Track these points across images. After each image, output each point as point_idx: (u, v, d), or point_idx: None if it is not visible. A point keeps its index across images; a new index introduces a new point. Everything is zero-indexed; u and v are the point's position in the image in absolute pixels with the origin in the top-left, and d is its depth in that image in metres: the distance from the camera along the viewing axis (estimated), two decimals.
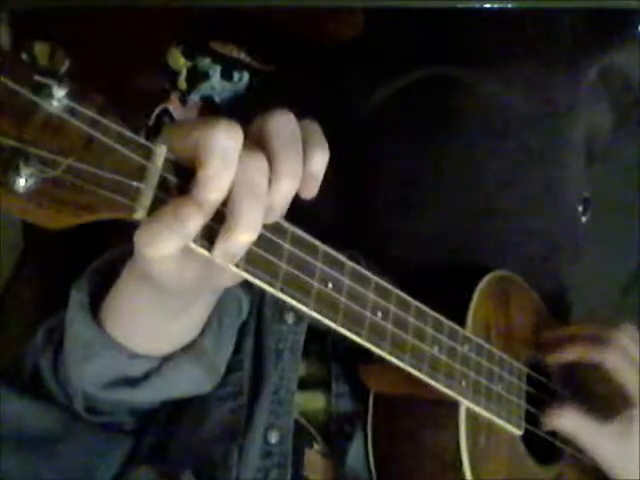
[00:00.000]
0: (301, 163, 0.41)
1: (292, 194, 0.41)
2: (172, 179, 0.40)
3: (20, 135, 0.35)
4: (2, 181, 0.34)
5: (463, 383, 0.55)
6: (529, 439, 0.62)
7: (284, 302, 0.45)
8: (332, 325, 0.47)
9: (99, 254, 0.57)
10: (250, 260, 0.42)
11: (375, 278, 0.50)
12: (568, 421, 0.61)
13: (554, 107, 0.67)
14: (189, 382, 0.55)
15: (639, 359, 0.61)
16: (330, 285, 0.47)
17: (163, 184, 0.39)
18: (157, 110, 0.78)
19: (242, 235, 0.39)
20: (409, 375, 0.53)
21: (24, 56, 0.40)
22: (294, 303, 0.45)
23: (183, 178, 0.40)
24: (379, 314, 0.50)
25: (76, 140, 0.37)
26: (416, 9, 0.67)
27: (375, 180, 0.70)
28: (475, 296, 0.61)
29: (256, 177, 0.39)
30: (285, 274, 0.44)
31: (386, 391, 0.60)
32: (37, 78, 0.36)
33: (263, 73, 0.77)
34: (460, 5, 0.66)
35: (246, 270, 0.42)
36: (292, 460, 0.58)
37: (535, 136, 0.67)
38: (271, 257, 0.43)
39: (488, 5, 0.66)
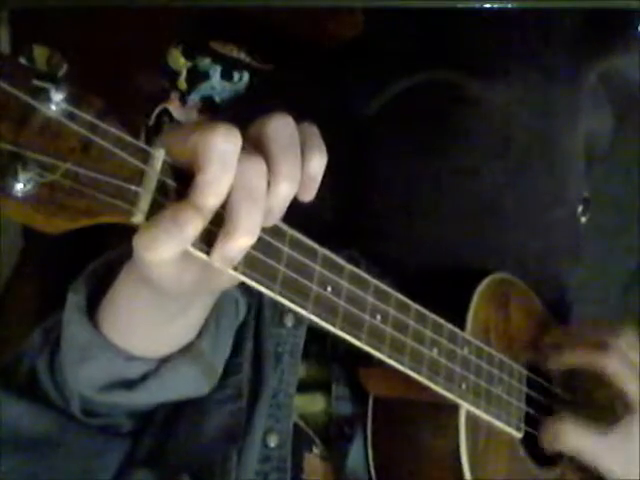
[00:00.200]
0: (299, 166, 0.41)
1: (290, 197, 0.41)
2: (170, 183, 0.40)
3: (18, 139, 0.35)
4: (0, 186, 0.34)
5: (463, 386, 0.55)
6: (529, 441, 0.62)
7: (283, 305, 0.45)
8: (331, 329, 0.47)
9: (98, 255, 0.57)
10: (248, 264, 0.42)
11: (374, 281, 0.50)
12: (567, 439, 0.60)
13: (554, 111, 0.67)
14: (187, 384, 0.55)
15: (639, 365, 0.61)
16: (329, 288, 0.47)
17: (161, 188, 0.39)
18: (157, 110, 0.78)
19: (241, 239, 0.39)
20: (409, 378, 0.53)
21: (23, 60, 0.39)
22: (293, 306, 0.45)
23: (181, 182, 0.40)
24: (378, 317, 0.50)
25: (74, 144, 0.37)
26: (416, 11, 0.66)
27: (374, 182, 0.69)
28: (475, 298, 0.61)
29: (254, 181, 0.39)
30: (284, 277, 0.44)
31: (386, 394, 0.60)
32: (35, 82, 0.36)
33: (263, 73, 0.77)
34: (460, 5, 0.66)
35: (244, 274, 0.42)
36: (291, 464, 0.58)
37: (535, 140, 0.67)
38: (270, 260, 0.43)
39: (488, 5, 0.66)
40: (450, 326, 0.55)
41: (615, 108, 0.73)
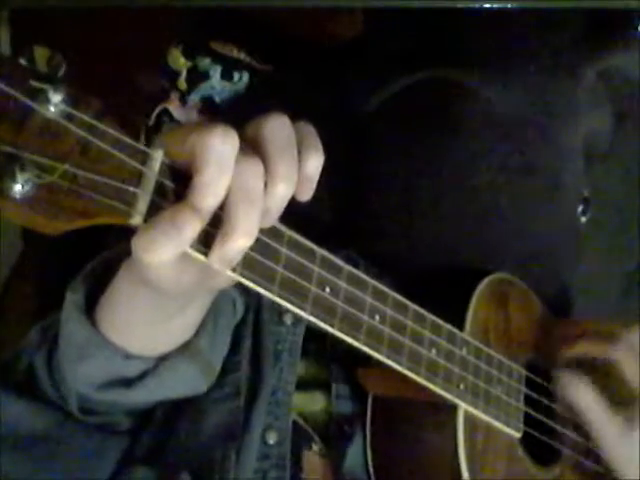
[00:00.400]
0: (296, 167, 0.41)
1: (288, 198, 0.41)
2: (169, 184, 0.40)
3: (16, 140, 0.35)
4: None
5: (461, 386, 0.55)
6: (528, 441, 0.62)
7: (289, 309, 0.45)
8: (329, 329, 0.47)
9: (97, 255, 0.57)
10: (247, 265, 0.42)
11: (373, 282, 0.50)
12: (582, 392, 0.61)
13: (554, 110, 0.67)
14: (184, 382, 0.55)
15: None
16: (327, 289, 0.47)
17: (160, 189, 0.39)
18: (157, 110, 0.78)
19: (239, 240, 0.39)
20: (407, 378, 0.53)
21: (23, 60, 0.39)
22: (291, 307, 0.45)
23: (180, 183, 0.40)
24: (377, 318, 0.50)
25: (73, 145, 0.37)
26: (416, 11, 0.66)
27: (373, 181, 0.69)
28: (474, 299, 0.61)
29: (252, 181, 0.39)
30: (282, 278, 0.44)
31: (385, 394, 0.60)
32: (33, 83, 0.36)
33: (263, 73, 0.77)
34: (460, 5, 0.66)
35: (242, 275, 0.42)
36: (290, 461, 0.58)
37: (534, 139, 0.67)
38: (268, 262, 0.43)
39: (488, 5, 0.66)
40: (449, 326, 0.56)
41: (615, 107, 0.73)
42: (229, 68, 0.76)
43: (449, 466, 0.56)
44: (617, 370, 0.61)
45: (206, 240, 0.40)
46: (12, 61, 0.37)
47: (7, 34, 0.71)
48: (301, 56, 0.76)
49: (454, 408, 0.56)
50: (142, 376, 0.53)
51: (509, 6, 0.66)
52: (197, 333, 0.54)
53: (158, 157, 0.39)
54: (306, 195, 0.42)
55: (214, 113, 0.76)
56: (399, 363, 0.51)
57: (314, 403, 0.62)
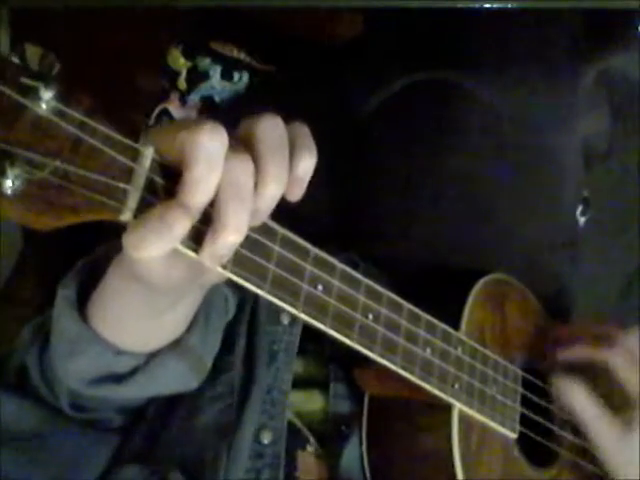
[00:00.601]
0: (287, 168, 0.41)
1: (277, 198, 0.41)
2: (159, 181, 0.40)
3: (7, 137, 0.35)
4: None
5: (456, 386, 0.55)
6: (524, 442, 0.62)
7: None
8: (322, 327, 0.47)
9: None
10: (238, 262, 0.42)
11: (366, 281, 0.50)
12: (578, 396, 0.61)
13: (553, 111, 0.67)
14: (175, 379, 0.55)
15: None
16: (320, 287, 0.47)
17: (150, 186, 0.39)
18: (157, 110, 0.78)
19: (229, 237, 0.39)
20: (403, 378, 0.53)
21: (15, 59, 0.40)
22: (283, 305, 0.45)
23: (170, 180, 0.40)
24: (370, 316, 0.50)
25: (63, 142, 0.37)
26: (415, 11, 0.66)
27: (373, 182, 0.69)
28: (470, 299, 0.61)
29: (241, 179, 0.39)
30: (274, 276, 0.44)
31: (381, 393, 0.60)
32: (24, 80, 0.36)
33: (263, 73, 0.77)
34: (460, 5, 0.66)
35: (233, 272, 0.42)
36: (285, 461, 0.58)
37: (533, 140, 0.67)
38: (259, 259, 0.43)
39: (488, 5, 0.66)
40: (443, 326, 0.55)
41: (615, 108, 0.73)
42: (229, 68, 0.76)
43: (444, 466, 0.55)
44: (613, 374, 0.61)
45: (197, 237, 0.40)
46: (3, 59, 0.37)
47: (7, 34, 0.71)
48: (301, 56, 0.76)
49: (449, 408, 0.56)
50: (133, 372, 0.53)
51: (509, 6, 0.66)
52: (188, 330, 0.54)
53: (149, 154, 0.39)
54: (296, 195, 0.42)
55: (214, 113, 0.77)
56: (393, 362, 0.51)
57: (312, 402, 0.62)
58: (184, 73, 0.77)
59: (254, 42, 0.76)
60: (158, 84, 0.78)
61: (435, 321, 0.55)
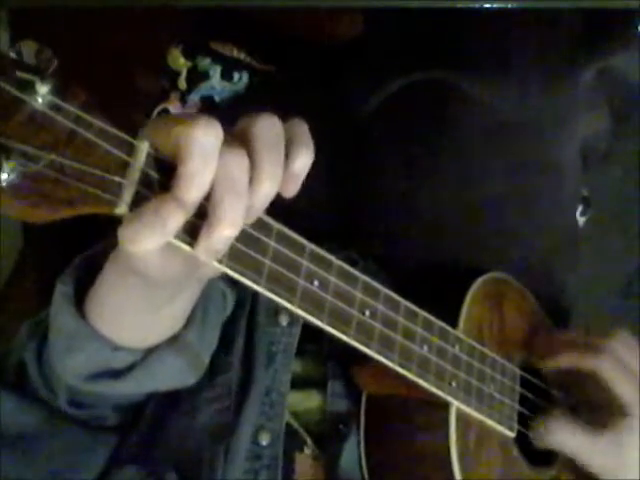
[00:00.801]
0: (282, 166, 0.41)
1: (272, 195, 0.41)
2: (154, 175, 0.40)
3: (2, 130, 0.36)
4: None
5: (453, 384, 0.55)
6: (523, 441, 0.62)
7: (277, 304, 0.45)
8: (318, 323, 0.47)
9: None
10: (233, 256, 0.42)
11: (363, 277, 0.50)
12: (558, 436, 0.60)
13: (552, 111, 0.67)
14: (173, 374, 0.55)
15: (638, 368, 0.61)
16: (316, 283, 0.47)
17: (145, 180, 0.39)
18: (157, 110, 0.78)
19: (224, 231, 0.39)
20: (400, 376, 0.52)
21: (12, 54, 0.40)
22: (279, 300, 0.45)
23: (165, 174, 0.40)
24: (367, 313, 0.50)
25: (59, 135, 0.37)
26: (415, 12, 0.66)
27: (372, 181, 0.70)
28: (468, 297, 0.61)
29: (236, 173, 0.39)
30: (270, 271, 0.44)
31: (379, 391, 0.60)
32: (19, 74, 0.36)
33: (263, 73, 0.77)
34: (460, 5, 0.66)
35: (229, 266, 0.42)
36: (282, 463, 0.58)
37: (532, 140, 0.67)
38: (255, 254, 0.44)
39: (488, 5, 0.66)
40: (441, 324, 0.55)
41: (614, 108, 0.73)
42: (229, 68, 0.77)
43: (441, 464, 0.55)
44: (601, 381, 0.60)
45: (192, 231, 0.40)
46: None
47: (7, 34, 0.72)
48: (301, 56, 0.76)
49: (447, 406, 0.56)
50: (130, 368, 0.53)
51: (509, 6, 0.66)
52: (186, 326, 0.54)
53: (144, 148, 0.39)
54: (290, 192, 0.42)
55: (214, 113, 0.77)
56: (390, 359, 0.51)
57: (310, 401, 0.62)
58: (184, 73, 0.77)
59: (254, 42, 0.76)
60: (158, 84, 0.78)
61: (433, 319, 0.55)
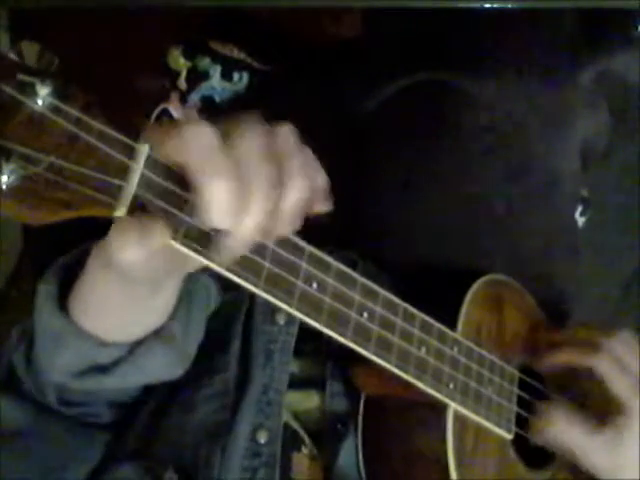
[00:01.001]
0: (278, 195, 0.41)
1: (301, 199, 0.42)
2: (154, 177, 0.40)
3: (3, 132, 0.36)
4: None
5: (451, 385, 0.55)
6: (520, 444, 0.62)
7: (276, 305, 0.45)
8: (316, 325, 0.47)
9: None
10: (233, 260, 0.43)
11: (362, 279, 0.50)
12: (556, 432, 0.60)
13: (551, 112, 0.67)
14: (160, 367, 0.55)
15: (638, 366, 0.61)
16: (314, 285, 0.47)
17: (145, 182, 0.40)
18: (157, 110, 0.78)
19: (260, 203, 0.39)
20: (399, 377, 0.53)
21: (12, 55, 0.40)
22: (277, 302, 0.45)
23: (165, 177, 0.40)
24: (365, 315, 0.50)
25: (59, 138, 0.37)
26: (415, 12, 0.67)
27: (372, 181, 0.70)
28: (467, 299, 0.61)
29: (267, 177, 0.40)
30: (268, 273, 0.44)
31: (377, 392, 0.60)
32: (21, 76, 0.36)
33: (263, 73, 0.77)
34: (460, 5, 0.66)
35: (229, 269, 0.42)
36: (280, 461, 0.58)
37: (531, 141, 0.67)
38: (254, 256, 0.44)
39: (488, 5, 0.66)
40: (439, 326, 0.55)
41: (614, 108, 0.73)
42: (229, 68, 0.77)
43: (438, 466, 0.55)
44: (600, 380, 0.60)
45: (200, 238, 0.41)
46: (0, 55, 0.37)
47: (7, 34, 0.71)
48: (301, 56, 0.76)
49: (444, 408, 0.56)
50: (117, 362, 0.53)
51: (509, 6, 0.66)
52: (170, 319, 0.54)
53: (144, 151, 0.40)
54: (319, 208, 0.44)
55: (214, 113, 0.77)
56: (388, 361, 0.51)
57: (309, 401, 0.62)
58: (184, 73, 0.77)
59: (254, 42, 0.77)
60: (158, 84, 0.78)
61: (431, 320, 0.55)
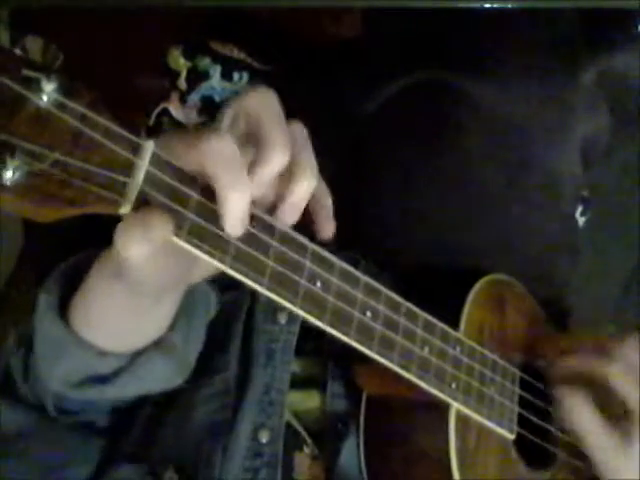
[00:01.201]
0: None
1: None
2: (159, 174, 0.40)
3: (8, 128, 0.36)
4: None
5: (453, 385, 0.55)
6: (522, 444, 0.62)
7: (276, 302, 0.45)
8: (319, 324, 0.47)
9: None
10: (236, 257, 0.42)
11: (365, 278, 0.50)
12: (581, 418, 0.60)
13: (552, 112, 0.67)
14: (160, 377, 0.55)
15: None
16: (318, 284, 0.47)
17: (150, 179, 0.39)
18: (157, 110, 0.78)
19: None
20: (401, 376, 0.53)
21: (17, 50, 0.40)
22: (281, 301, 0.45)
23: (170, 174, 0.40)
24: (368, 314, 0.50)
25: (64, 134, 0.37)
26: (415, 12, 0.67)
27: (372, 181, 0.70)
28: (469, 299, 0.61)
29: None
30: (272, 272, 0.44)
31: (379, 392, 0.60)
32: (25, 72, 0.36)
33: (263, 73, 0.77)
34: (460, 5, 0.66)
35: (232, 267, 0.42)
36: (282, 461, 0.58)
37: (532, 141, 0.67)
38: (258, 254, 0.44)
39: (488, 5, 0.66)
40: (442, 325, 0.55)
41: (614, 108, 0.73)
42: (229, 68, 0.77)
43: (440, 465, 0.55)
44: (613, 387, 0.60)
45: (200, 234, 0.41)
46: (4, 50, 0.37)
47: (7, 34, 0.71)
48: (301, 56, 0.76)
49: (447, 407, 0.56)
50: (117, 372, 0.53)
51: (509, 6, 0.66)
52: (170, 328, 0.54)
53: (149, 147, 0.39)
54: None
55: (214, 113, 0.77)
56: (390, 360, 0.51)
57: (310, 401, 0.62)
58: (184, 73, 0.77)
59: (254, 42, 0.76)
60: (158, 84, 0.77)
61: (434, 320, 0.55)
